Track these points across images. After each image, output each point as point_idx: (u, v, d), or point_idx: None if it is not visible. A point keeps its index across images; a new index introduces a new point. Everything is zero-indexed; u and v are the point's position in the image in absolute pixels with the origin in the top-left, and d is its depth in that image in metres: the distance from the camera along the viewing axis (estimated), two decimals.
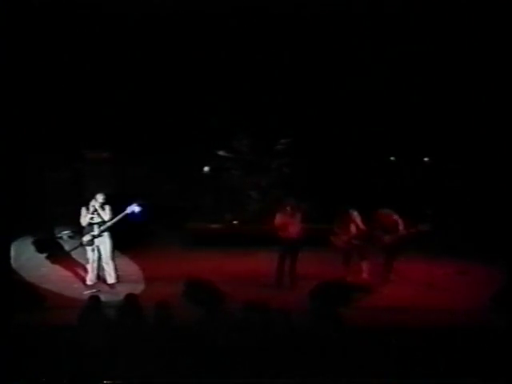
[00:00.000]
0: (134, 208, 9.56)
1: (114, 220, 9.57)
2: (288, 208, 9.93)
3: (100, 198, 9.60)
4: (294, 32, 11.69)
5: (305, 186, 12.96)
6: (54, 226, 12.49)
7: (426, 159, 13.58)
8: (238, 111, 12.93)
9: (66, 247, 11.59)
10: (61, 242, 12.12)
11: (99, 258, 9.69)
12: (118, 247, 10.02)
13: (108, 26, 11.37)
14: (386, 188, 12.97)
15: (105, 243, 9.63)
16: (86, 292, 9.27)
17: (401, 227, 9.79)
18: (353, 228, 9.94)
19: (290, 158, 13.58)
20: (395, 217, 9.87)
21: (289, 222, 9.85)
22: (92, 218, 9.58)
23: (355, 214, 9.96)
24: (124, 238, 9.93)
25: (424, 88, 12.32)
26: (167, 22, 11.40)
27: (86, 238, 9.61)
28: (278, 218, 9.92)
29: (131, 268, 10.75)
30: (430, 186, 13.11)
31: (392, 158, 13.83)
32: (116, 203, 9.70)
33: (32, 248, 11.59)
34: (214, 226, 13.22)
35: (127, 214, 9.57)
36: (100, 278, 9.79)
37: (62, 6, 10.73)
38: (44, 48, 11.29)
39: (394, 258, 10.10)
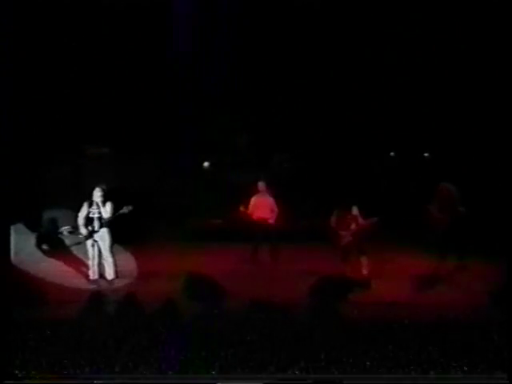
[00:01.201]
0: (130, 207, 9.57)
1: (112, 217, 9.59)
2: (260, 190, 9.91)
3: (98, 192, 9.62)
4: (294, 31, 11.70)
5: (304, 183, 12.97)
6: (53, 222, 12.50)
7: (426, 155, 13.61)
8: (237, 111, 12.94)
9: (66, 242, 11.61)
10: (61, 237, 12.14)
11: (99, 254, 9.71)
12: (117, 243, 10.03)
13: (109, 23, 11.37)
14: (385, 184, 13.01)
15: (104, 239, 9.65)
16: (85, 287, 9.29)
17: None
18: (352, 224, 9.99)
19: (289, 155, 13.60)
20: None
21: (260, 205, 9.83)
22: (90, 213, 9.60)
23: (354, 210, 10.01)
24: (124, 233, 9.95)
25: (422, 88, 12.33)
26: (168, 21, 11.40)
27: (85, 233, 9.63)
28: (251, 202, 9.91)
29: (131, 264, 10.76)
30: (429, 182, 13.11)
31: (391, 154, 13.85)
32: (115, 198, 9.71)
33: (32, 243, 11.61)
34: (214, 221, 13.23)
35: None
36: (100, 273, 9.81)
37: (62, 3, 10.74)
38: (44, 44, 11.29)
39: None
